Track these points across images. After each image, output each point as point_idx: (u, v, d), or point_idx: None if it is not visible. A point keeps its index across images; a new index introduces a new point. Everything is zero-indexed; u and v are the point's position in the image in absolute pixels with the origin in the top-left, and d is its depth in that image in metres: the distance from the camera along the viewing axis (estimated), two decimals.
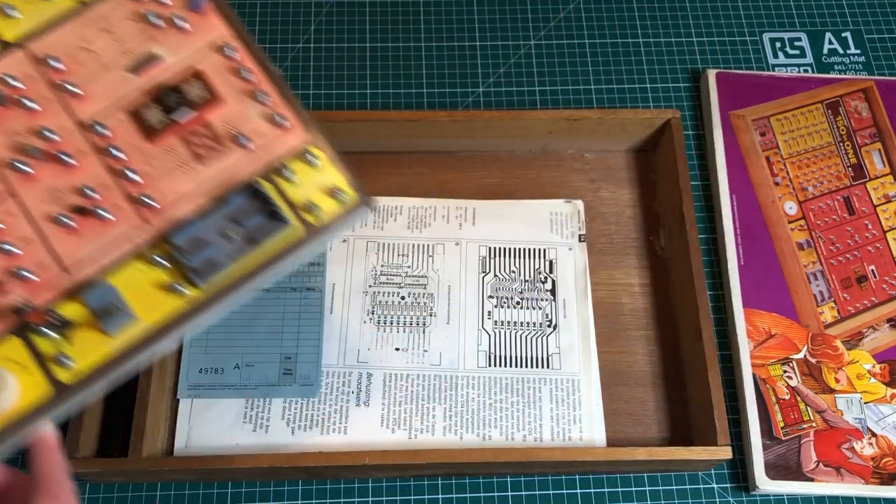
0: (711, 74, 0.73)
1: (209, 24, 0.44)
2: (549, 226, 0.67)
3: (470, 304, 0.64)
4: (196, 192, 0.42)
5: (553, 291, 0.65)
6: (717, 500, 0.60)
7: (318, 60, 0.75)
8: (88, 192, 0.41)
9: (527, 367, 0.62)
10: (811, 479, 0.59)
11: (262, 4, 0.77)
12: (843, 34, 0.78)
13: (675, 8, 0.79)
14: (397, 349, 0.62)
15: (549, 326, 0.63)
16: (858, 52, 0.77)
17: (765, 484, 0.58)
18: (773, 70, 0.76)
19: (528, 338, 0.63)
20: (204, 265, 0.41)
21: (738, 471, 0.61)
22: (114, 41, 0.43)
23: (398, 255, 0.66)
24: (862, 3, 0.80)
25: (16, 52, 0.43)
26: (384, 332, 0.63)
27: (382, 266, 0.65)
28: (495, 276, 0.65)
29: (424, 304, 0.64)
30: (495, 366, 0.62)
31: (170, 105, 0.43)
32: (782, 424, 0.60)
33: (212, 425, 0.60)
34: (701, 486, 0.60)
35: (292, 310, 0.63)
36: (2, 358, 0.39)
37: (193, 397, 0.60)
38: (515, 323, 0.63)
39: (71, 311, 0.40)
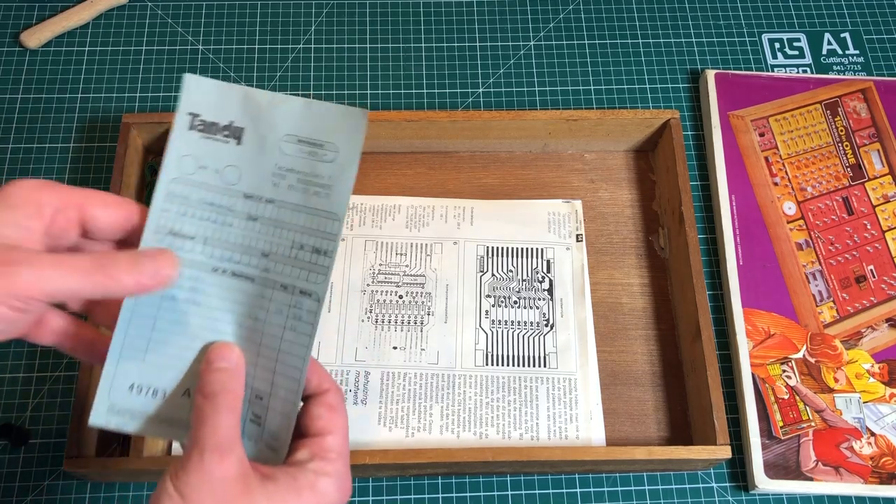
0: (710, 75, 0.73)
1: None
2: (546, 226, 0.67)
3: (467, 304, 0.64)
4: None
5: (550, 291, 0.65)
6: (717, 499, 0.60)
7: (319, 60, 0.75)
8: None
9: (524, 366, 0.62)
10: (810, 479, 0.59)
11: (262, 5, 0.78)
12: (842, 35, 0.78)
13: (674, 9, 0.79)
14: (395, 348, 0.62)
15: (546, 326, 0.63)
16: (857, 52, 0.77)
17: (764, 483, 0.58)
18: (772, 70, 0.76)
19: (526, 337, 0.63)
20: None
21: (738, 470, 0.61)
22: None
23: (396, 254, 0.66)
24: (861, 4, 0.80)
25: None
26: (382, 330, 0.63)
27: (380, 265, 0.65)
28: (493, 275, 0.65)
29: (422, 303, 0.64)
30: (492, 365, 0.62)
31: None
32: (781, 424, 0.60)
33: None
34: (700, 486, 0.60)
35: (276, 320, 0.41)
36: None
37: (108, 427, 0.41)
38: (513, 322, 0.63)
39: None
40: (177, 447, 0.59)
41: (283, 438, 0.41)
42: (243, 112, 0.42)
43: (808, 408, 0.61)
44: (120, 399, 0.41)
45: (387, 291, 0.64)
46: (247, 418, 0.41)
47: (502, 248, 0.66)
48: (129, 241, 0.42)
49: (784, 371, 0.62)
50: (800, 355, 0.63)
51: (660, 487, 0.60)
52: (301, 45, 0.76)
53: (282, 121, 0.42)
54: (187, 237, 0.41)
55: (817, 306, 0.65)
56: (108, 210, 0.40)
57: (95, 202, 0.40)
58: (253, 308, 0.41)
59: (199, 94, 0.42)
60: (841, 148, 0.70)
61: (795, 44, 0.78)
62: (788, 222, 0.67)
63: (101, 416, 0.41)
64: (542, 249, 0.66)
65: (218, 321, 0.42)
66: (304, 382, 0.41)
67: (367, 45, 0.76)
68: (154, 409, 0.41)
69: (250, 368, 0.41)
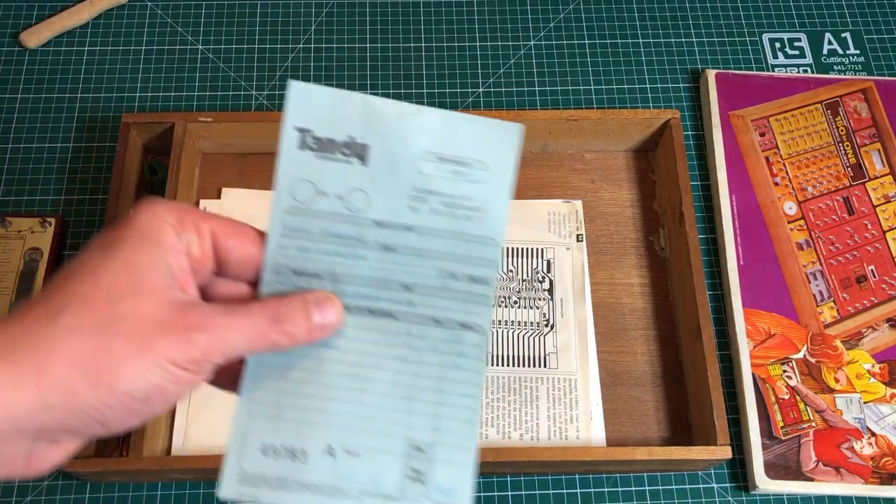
0: (711, 75, 0.73)
1: None
2: (546, 226, 0.67)
3: None
4: None
5: (550, 291, 0.65)
6: (717, 499, 0.60)
7: (318, 60, 0.75)
8: None
9: (524, 366, 0.62)
10: (811, 479, 0.59)
11: (262, 4, 0.77)
12: (843, 34, 0.78)
13: (674, 8, 0.79)
14: None
15: (546, 326, 0.63)
16: (858, 52, 0.77)
17: (764, 484, 0.58)
18: (773, 70, 0.76)
19: (526, 337, 0.63)
20: None
21: (738, 470, 0.61)
22: None
23: None
24: (861, 4, 0.80)
25: None
26: None
27: None
28: None
29: None
30: (492, 365, 0.62)
31: None
32: (782, 424, 0.60)
33: (211, 424, 0.60)
34: (701, 486, 0.60)
35: (432, 359, 0.37)
36: None
37: (241, 499, 0.36)
38: (513, 322, 0.63)
39: None
40: (177, 446, 0.59)
41: (460, 491, 0.36)
42: (366, 125, 0.36)
43: (808, 408, 0.61)
44: (252, 464, 0.35)
45: None
46: (403, 476, 0.36)
47: (502, 248, 0.66)
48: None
49: (784, 371, 0.62)
50: (800, 355, 0.63)
51: (660, 488, 0.60)
52: (301, 45, 0.76)
53: (416, 136, 0.36)
54: (313, 276, 0.36)
55: (818, 306, 0.65)
56: (242, 242, 0.35)
57: (229, 232, 0.35)
58: (399, 348, 0.36)
59: (309, 105, 0.36)
60: (841, 148, 0.70)
61: (796, 43, 0.77)
62: (789, 222, 0.67)
63: (232, 487, 0.35)
64: (542, 249, 0.66)
65: (359, 365, 0.36)
66: (479, 426, 0.37)
67: (367, 45, 0.76)
68: (293, 472, 0.35)
69: (402, 416, 0.36)
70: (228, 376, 0.36)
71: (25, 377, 0.29)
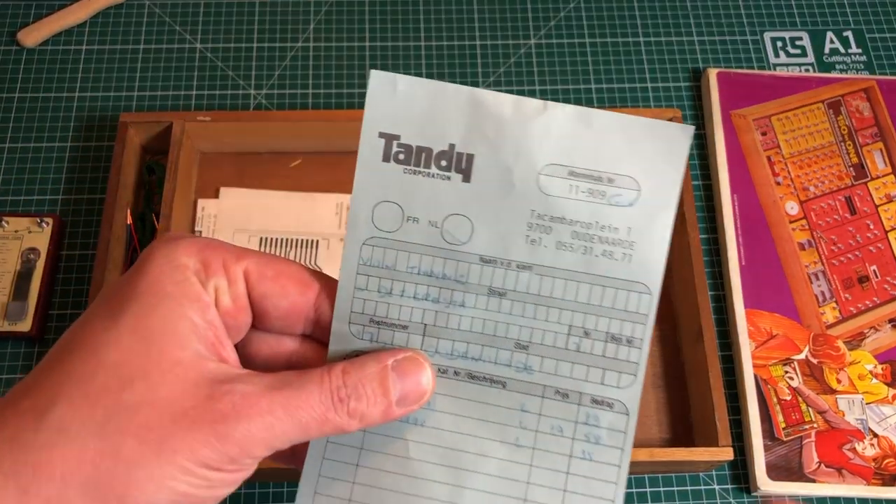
0: (712, 74, 0.72)
1: None
2: None
3: None
4: None
5: None
6: (718, 501, 0.60)
7: (318, 60, 0.75)
8: None
9: None
10: (812, 480, 0.58)
11: (260, 3, 0.77)
12: (845, 33, 0.78)
13: (675, 7, 0.79)
14: None
15: None
16: (860, 51, 0.77)
17: (766, 485, 0.58)
18: (775, 69, 0.75)
19: None
20: None
21: (740, 472, 0.60)
22: None
23: None
24: (863, 3, 0.79)
25: None
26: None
27: None
28: None
29: None
30: None
31: None
32: (783, 425, 0.60)
33: None
34: (702, 488, 0.60)
35: (553, 445, 0.28)
36: None
37: None
38: None
39: None
40: None
41: None
42: (471, 129, 0.27)
43: (810, 409, 0.61)
44: None
45: None
46: None
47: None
48: (315, 335, 0.29)
49: (786, 372, 0.62)
50: (802, 356, 0.62)
51: (661, 489, 0.60)
52: (300, 44, 0.75)
53: (539, 142, 0.27)
54: (398, 327, 0.28)
55: (820, 307, 0.64)
56: (284, 286, 0.27)
57: (266, 273, 0.27)
58: (510, 429, 0.28)
59: (396, 102, 0.27)
60: (843, 147, 0.70)
61: (798, 42, 0.77)
62: (791, 222, 0.67)
63: None
64: None
65: (454, 451, 0.28)
66: None
67: (367, 44, 0.76)
68: None
69: None
70: (287, 451, 0.29)
71: (4, 501, 0.22)
